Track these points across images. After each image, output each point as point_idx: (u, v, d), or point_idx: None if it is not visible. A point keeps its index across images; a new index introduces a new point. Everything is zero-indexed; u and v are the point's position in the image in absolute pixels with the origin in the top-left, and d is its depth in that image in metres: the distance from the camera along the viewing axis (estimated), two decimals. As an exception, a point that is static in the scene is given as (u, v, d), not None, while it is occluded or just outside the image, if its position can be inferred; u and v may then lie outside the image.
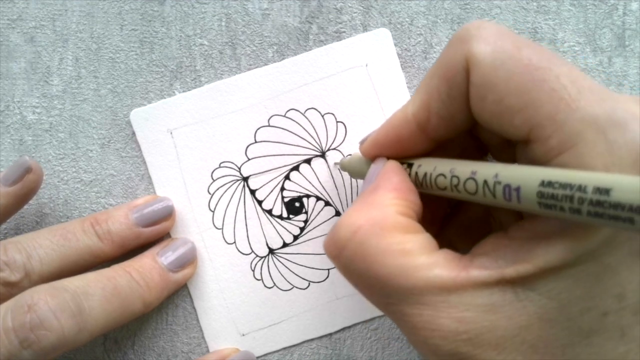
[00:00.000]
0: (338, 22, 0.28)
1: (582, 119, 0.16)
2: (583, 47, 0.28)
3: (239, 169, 0.28)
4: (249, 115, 0.28)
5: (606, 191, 0.14)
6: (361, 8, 0.28)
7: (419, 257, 0.18)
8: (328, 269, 0.28)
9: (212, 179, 0.28)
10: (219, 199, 0.28)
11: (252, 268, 0.28)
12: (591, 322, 0.17)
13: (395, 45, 0.28)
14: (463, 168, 0.18)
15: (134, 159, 0.28)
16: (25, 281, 0.23)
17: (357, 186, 0.28)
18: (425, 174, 0.20)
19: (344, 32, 0.28)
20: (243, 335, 0.28)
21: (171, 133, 0.28)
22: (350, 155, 0.27)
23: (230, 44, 0.28)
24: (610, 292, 0.17)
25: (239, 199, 0.28)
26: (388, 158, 0.22)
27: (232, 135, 0.28)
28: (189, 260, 0.27)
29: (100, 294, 0.23)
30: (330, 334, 0.28)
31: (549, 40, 0.28)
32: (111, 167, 0.28)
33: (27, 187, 0.25)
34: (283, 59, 0.28)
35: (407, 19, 0.28)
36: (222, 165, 0.28)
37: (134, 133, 0.28)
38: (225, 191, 0.28)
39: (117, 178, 0.28)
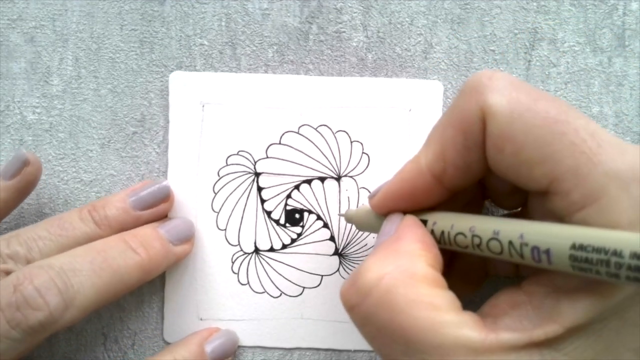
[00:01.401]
0: (338, 22, 0.28)
1: (606, 174, 0.16)
2: (583, 47, 0.28)
3: (255, 163, 0.28)
4: (282, 117, 0.28)
5: None
6: (361, 8, 0.28)
7: (448, 313, 0.17)
8: (303, 287, 0.28)
9: (226, 163, 0.28)
10: (225, 185, 0.28)
11: (233, 260, 0.28)
12: None
13: (395, 45, 0.28)
14: (483, 227, 0.18)
15: (134, 159, 0.28)
16: None
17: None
18: (443, 233, 0.19)
19: (344, 32, 0.28)
20: (201, 319, 0.28)
21: (203, 106, 0.28)
22: (354, 208, 0.27)
23: (230, 44, 0.28)
24: (629, 346, 0.16)
25: (244, 191, 0.28)
26: (404, 213, 0.21)
27: (260, 129, 0.28)
28: (188, 235, 0.27)
29: (88, 268, 0.23)
30: (286, 349, 0.28)
31: (549, 41, 0.28)
32: (111, 167, 0.28)
33: (26, 180, 0.25)
34: (283, 59, 0.28)
35: (407, 19, 0.28)
36: (239, 153, 0.28)
37: (134, 133, 0.28)
38: (234, 179, 0.28)
39: (117, 178, 0.28)
